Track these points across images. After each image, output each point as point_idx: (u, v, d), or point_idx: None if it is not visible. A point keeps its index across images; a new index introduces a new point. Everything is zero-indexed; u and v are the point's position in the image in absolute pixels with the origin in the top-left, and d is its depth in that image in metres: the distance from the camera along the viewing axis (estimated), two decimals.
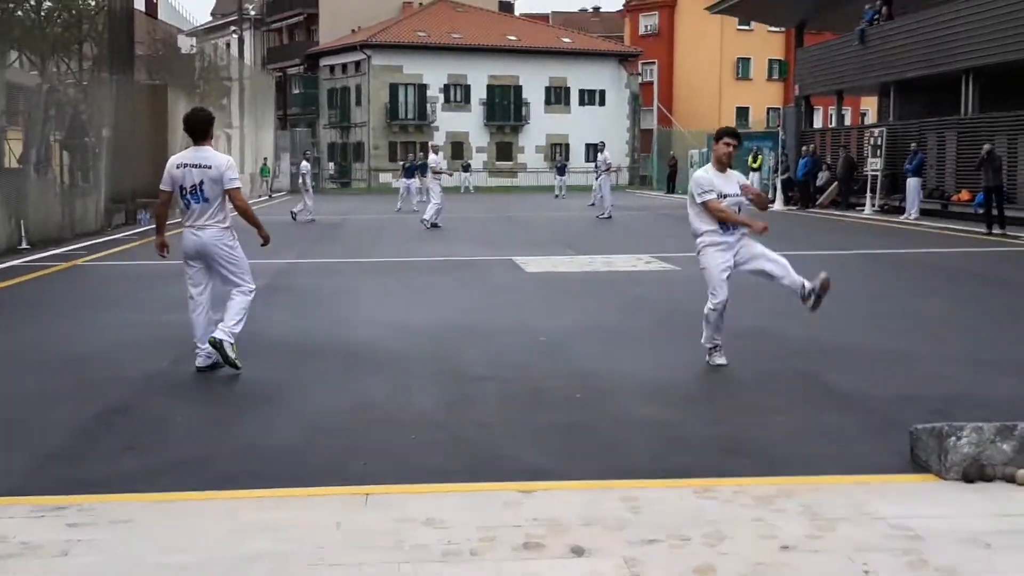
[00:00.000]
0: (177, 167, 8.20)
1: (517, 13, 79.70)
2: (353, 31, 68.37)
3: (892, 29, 31.42)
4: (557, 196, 46.29)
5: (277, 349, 9.27)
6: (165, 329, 10.35)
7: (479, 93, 66.05)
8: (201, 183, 8.12)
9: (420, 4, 70.48)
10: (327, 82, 68.79)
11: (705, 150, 49.37)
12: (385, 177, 61.21)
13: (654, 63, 68.53)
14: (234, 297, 8.38)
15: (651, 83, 66.53)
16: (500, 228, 25.98)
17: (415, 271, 16.08)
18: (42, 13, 27.14)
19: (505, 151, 65.83)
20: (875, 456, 5.87)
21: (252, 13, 74.32)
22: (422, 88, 64.93)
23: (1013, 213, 23.38)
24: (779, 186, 34.70)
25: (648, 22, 74.05)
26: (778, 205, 33.87)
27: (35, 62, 26.92)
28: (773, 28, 68.86)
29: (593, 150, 67.35)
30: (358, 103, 65.80)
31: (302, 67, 71.56)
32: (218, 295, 8.63)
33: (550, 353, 9.09)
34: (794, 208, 33.10)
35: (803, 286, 8.43)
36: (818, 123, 54.62)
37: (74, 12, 27.70)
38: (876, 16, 32.97)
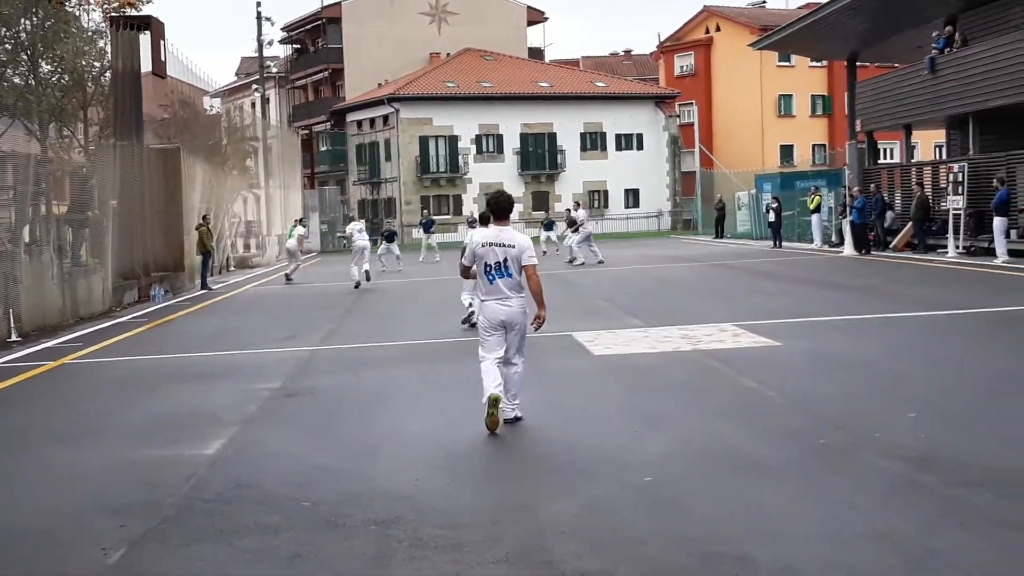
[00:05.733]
0: (482, 245, 8.77)
1: (547, 59, 77.42)
2: (380, 84, 66.30)
3: (968, 56, 28.66)
4: (545, 252, 37.81)
5: (280, 516, 6.57)
6: (133, 480, 7.69)
7: (512, 142, 63.65)
8: (505, 260, 8.69)
9: (447, 54, 68.34)
10: (355, 137, 66.64)
11: (753, 191, 46.75)
12: (419, 233, 58.62)
13: (692, 104, 66.06)
14: (516, 370, 8.90)
15: (690, 124, 63.98)
16: (547, 290, 23.23)
17: (456, 357, 13.35)
18: (39, 78, 24.92)
19: (541, 200, 63.24)
20: None
21: (276, 71, 72.66)
22: (453, 140, 62.62)
23: None
24: (846, 229, 31.81)
25: (684, 62, 71.61)
26: (847, 250, 31.05)
27: (32, 130, 24.65)
28: (814, 63, 66.31)
29: (633, 196, 65.30)
30: (387, 158, 63.56)
31: (329, 123, 69.45)
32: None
33: (666, 509, 6.37)
34: (863, 253, 30.26)
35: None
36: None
37: (74, 75, 25.46)
38: (947, 44, 30.30)
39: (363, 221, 31.36)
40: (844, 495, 6.48)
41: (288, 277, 30.29)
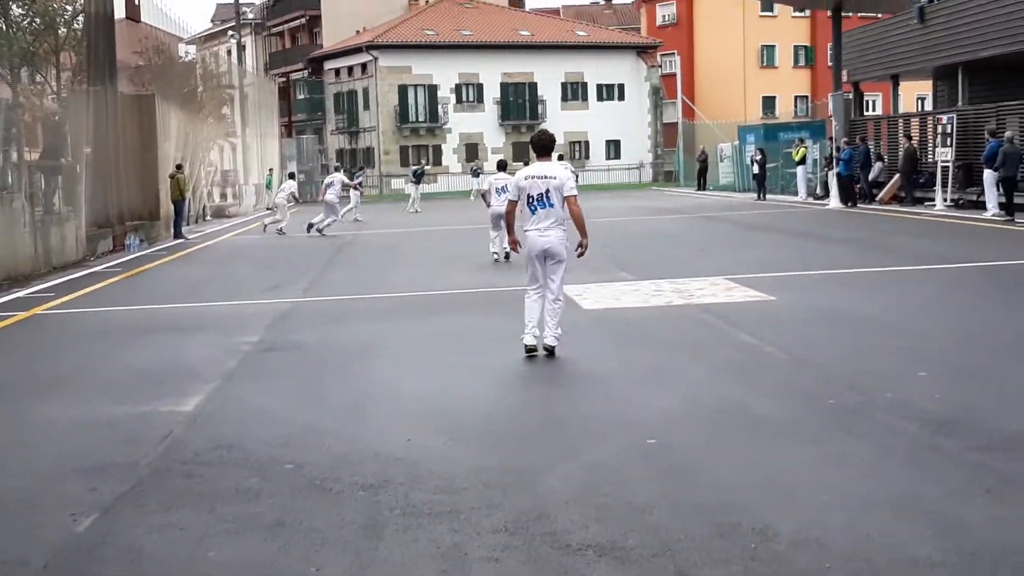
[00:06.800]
0: (525, 179, 9.51)
1: (527, 7, 76.50)
2: (358, 32, 65.34)
3: (959, 5, 28.20)
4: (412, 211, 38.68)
5: (262, 479, 6.17)
6: (107, 438, 7.27)
7: (492, 92, 62.94)
8: (547, 191, 9.35)
9: (427, 1, 67.39)
10: (333, 86, 65.74)
11: (736, 143, 46.32)
12: (397, 183, 58.07)
13: (674, 54, 65.35)
14: (555, 302, 9.57)
15: (672, 75, 63.30)
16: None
17: (444, 310, 13.01)
18: (10, 21, 24.19)
19: (522, 151, 62.54)
20: None
21: (252, 17, 71.54)
22: (432, 89, 61.85)
23: None
24: (832, 181, 31.46)
25: (666, 11, 70.78)
26: (833, 203, 30.71)
27: (3, 74, 23.95)
28: (797, 13, 65.69)
29: (614, 147, 64.74)
30: (366, 107, 62.75)
31: (306, 71, 68.49)
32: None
33: (674, 474, 6.00)
34: (850, 206, 29.93)
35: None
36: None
37: (46, 18, 24.74)
38: None
39: (340, 173, 30.61)
40: (862, 459, 6.12)
41: (280, 231, 29.32)
